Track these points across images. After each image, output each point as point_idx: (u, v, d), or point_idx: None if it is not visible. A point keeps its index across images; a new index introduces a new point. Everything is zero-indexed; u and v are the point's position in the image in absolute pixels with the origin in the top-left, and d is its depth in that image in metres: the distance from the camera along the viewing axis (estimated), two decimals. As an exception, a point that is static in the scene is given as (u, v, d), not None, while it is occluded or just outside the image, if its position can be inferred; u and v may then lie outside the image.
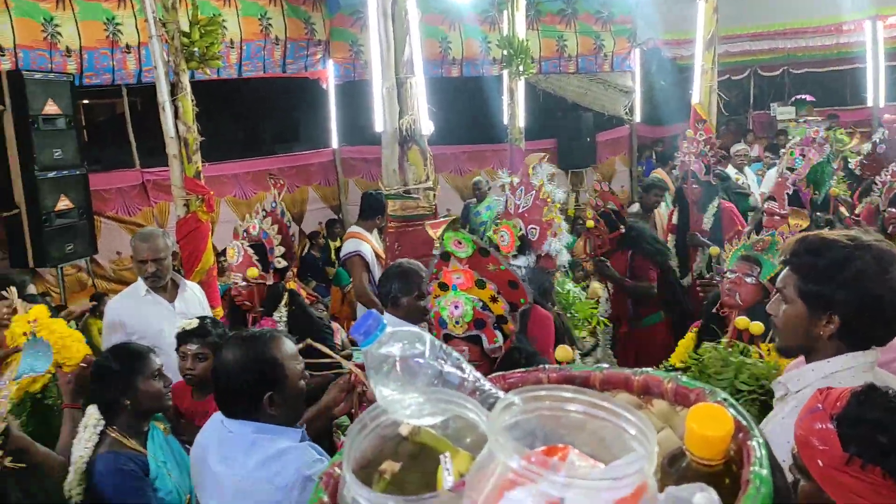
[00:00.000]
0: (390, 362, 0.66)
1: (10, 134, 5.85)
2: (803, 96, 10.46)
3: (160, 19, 5.14)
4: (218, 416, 2.20)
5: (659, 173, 7.98)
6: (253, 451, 2.02)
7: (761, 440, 0.65)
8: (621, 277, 4.69)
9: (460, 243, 2.33)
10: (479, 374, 0.69)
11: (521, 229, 3.57)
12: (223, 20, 8.36)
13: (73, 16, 6.84)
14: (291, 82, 10.11)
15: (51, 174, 6.02)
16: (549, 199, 3.55)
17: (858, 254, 1.71)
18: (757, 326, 2.70)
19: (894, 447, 1.23)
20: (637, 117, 12.28)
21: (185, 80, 5.29)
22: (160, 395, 2.57)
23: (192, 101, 5.35)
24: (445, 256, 2.34)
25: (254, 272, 3.53)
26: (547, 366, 0.77)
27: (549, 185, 3.58)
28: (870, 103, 10.99)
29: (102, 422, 2.48)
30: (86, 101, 10.81)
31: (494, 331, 2.30)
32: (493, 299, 2.29)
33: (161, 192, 7.86)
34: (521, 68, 8.22)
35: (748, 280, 3.09)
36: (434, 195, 4.74)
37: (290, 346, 2.20)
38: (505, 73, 8.46)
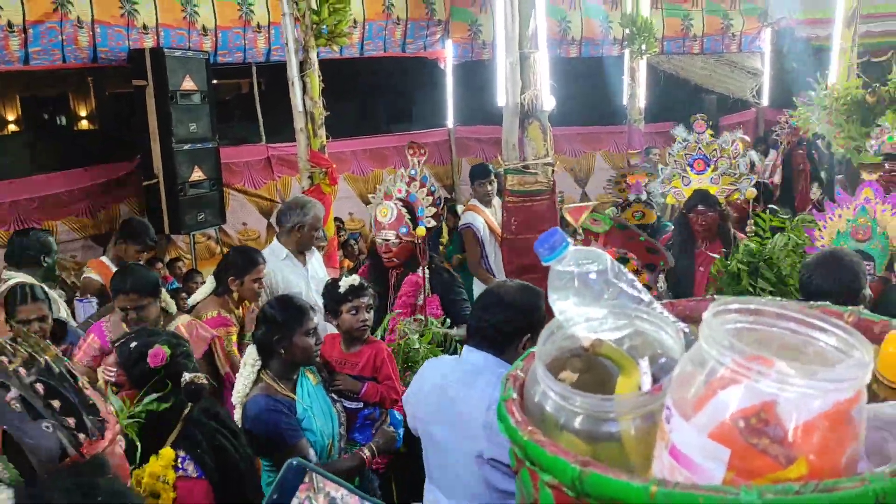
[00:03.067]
0: (573, 277, 0.67)
1: (151, 108, 6.24)
2: None
3: (293, -2, 5.35)
4: (446, 358, 2.44)
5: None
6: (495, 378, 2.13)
7: None
8: None
9: (595, 221, 2.72)
10: (651, 297, 0.70)
11: None
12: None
13: (210, -3, 7.20)
14: (410, 62, 10.24)
15: (186, 146, 6.39)
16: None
17: None
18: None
19: None
20: (765, 101, 11.70)
21: (314, 56, 5.48)
22: (310, 350, 2.76)
23: (319, 77, 5.55)
24: (588, 232, 2.71)
25: (421, 230, 3.72)
26: (717, 295, 0.77)
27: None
28: None
29: (259, 362, 2.72)
30: (215, 81, 11.37)
31: None
32: (637, 272, 2.56)
33: (284, 167, 8.18)
34: (643, 48, 8.01)
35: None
36: (552, 171, 4.69)
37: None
38: (626, 52, 8.27)
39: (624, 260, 2.56)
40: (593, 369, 0.64)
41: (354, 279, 3.20)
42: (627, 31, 8.05)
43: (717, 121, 11.29)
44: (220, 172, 6.91)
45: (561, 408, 0.62)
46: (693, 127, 4.64)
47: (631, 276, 0.69)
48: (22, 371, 1.08)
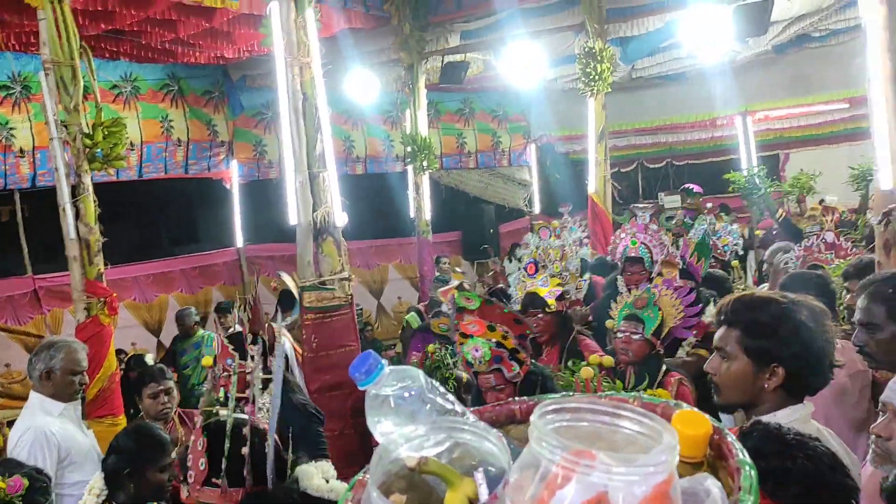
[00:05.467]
0: (389, 399, 0.68)
1: None
2: (691, 186, 11.18)
3: (62, 121, 5.07)
4: None
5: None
6: None
7: (734, 436, 0.74)
8: None
9: (468, 299, 3.04)
10: (463, 408, 0.73)
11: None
12: (124, 121, 8.30)
13: (-35, 120, 6.64)
14: (194, 182, 10.02)
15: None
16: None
17: (795, 308, 1.85)
18: (608, 360, 3.33)
19: (771, 472, 1.32)
20: (536, 208, 12.78)
21: (88, 180, 5.18)
22: (162, 487, 2.58)
23: (95, 201, 5.23)
24: (460, 310, 3.00)
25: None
26: (517, 398, 0.83)
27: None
28: (744, 191, 11.88)
29: (105, 493, 2.51)
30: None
31: (510, 362, 2.93)
32: (504, 337, 2.91)
33: (55, 299, 7.51)
34: (424, 164, 8.49)
35: (635, 337, 3.41)
36: (349, 285, 4.74)
37: None
38: (409, 168, 8.71)
39: (504, 336, 2.90)
40: (417, 488, 0.65)
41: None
42: (409, 148, 8.52)
43: (497, 228, 12.14)
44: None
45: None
46: (539, 234, 5.12)
47: (443, 389, 0.71)
48: None
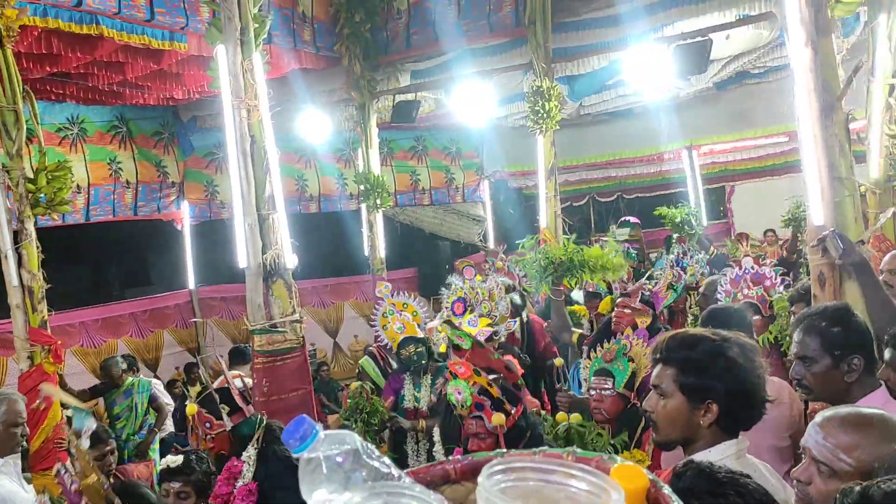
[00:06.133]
0: (322, 464, 0.68)
1: None
2: (628, 218, 11.44)
3: (3, 166, 4.97)
4: None
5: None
6: None
7: (669, 488, 0.75)
8: None
9: (461, 338, 2.95)
10: (399, 471, 0.72)
11: None
12: (69, 165, 8.15)
13: None
14: (144, 224, 9.86)
15: None
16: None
17: (727, 345, 1.90)
18: (575, 417, 3.15)
19: None
20: (491, 243, 12.87)
21: (31, 226, 5.07)
22: None
23: (38, 247, 5.11)
24: (456, 348, 2.94)
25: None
26: (451, 457, 0.83)
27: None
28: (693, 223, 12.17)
29: None
30: None
31: (493, 411, 2.74)
32: (490, 385, 2.75)
33: (-3, 347, 7.25)
34: (378, 202, 8.50)
35: (606, 393, 3.20)
36: (301, 327, 4.69)
37: None
38: (363, 207, 8.71)
39: (490, 384, 2.76)
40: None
41: (176, 460, 2.97)
42: (362, 187, 8.53)
43: (453, 264, 12.18)
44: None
45: None
46: (463, 273, 5.06)
47: (378, 453, 0.71)
48: None
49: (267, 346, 4.56)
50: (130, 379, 6.41)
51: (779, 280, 4.60)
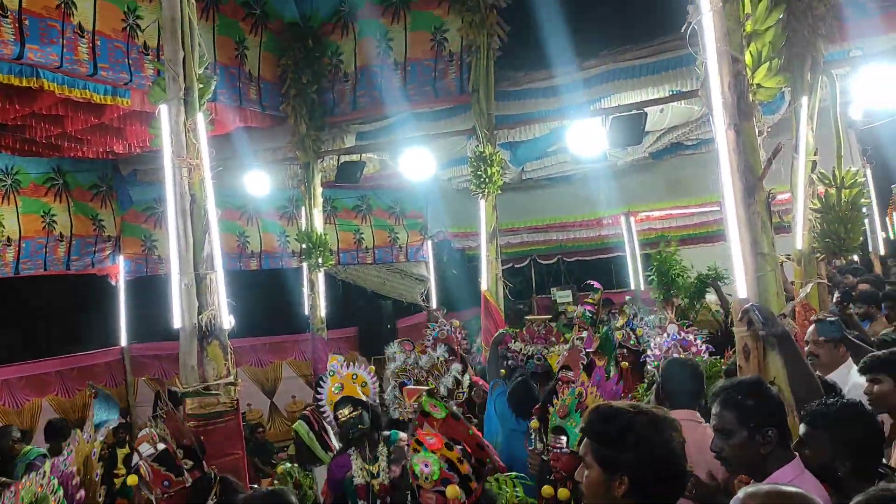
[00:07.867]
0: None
1: None
2: (591, 282, 11.64)
3: (-72, 217, 4.82)
4: None
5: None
6: None
7: None
8: None
9: (435, 407, 2.79)
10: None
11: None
12: (0, 217, 7.93)
13: None
14: (77, 279, 9.58)
15: None
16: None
17: (638, 419, 1.96)
18: (563, 492, 2.94)
19: None
20: (434, 303, 12.89)
21: (-46, 280, 4.89)
22: None
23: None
24: (425, 414, 2.77)
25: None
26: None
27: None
28: (632, 287, 12.46)
29: None
30: None
31: (458, 489, 2.64)
32: (460, 461, 2.68)
33: None
34: (320, 261, 8.47)
35: (561, 451, 3.15)
36: (235, 390, 4.59)
37: None
38: (305, 265, 8.66)
39: (460, 459, 2.68)
40: None
41: None
42: (304, 245, 8.50)
43: (394, 324, 12.12)
44: None
45: None
46: (402, 347, 5.04)
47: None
48: None
49: (199, 410, 4.44)
50: (25, 448, 5.97)
51: (703, 347, 4.76)
